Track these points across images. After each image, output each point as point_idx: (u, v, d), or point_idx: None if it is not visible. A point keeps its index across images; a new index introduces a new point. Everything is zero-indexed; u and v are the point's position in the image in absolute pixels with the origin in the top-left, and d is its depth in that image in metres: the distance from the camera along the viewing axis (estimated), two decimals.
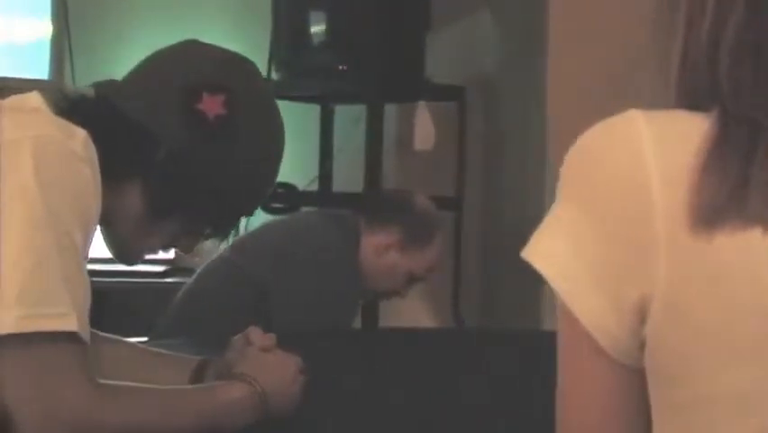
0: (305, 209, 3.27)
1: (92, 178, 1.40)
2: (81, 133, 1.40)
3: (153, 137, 1.49)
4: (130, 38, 3.70)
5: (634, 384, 0.84)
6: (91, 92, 1.53)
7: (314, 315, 2.38)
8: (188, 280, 2.61)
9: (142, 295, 3.26)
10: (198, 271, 2.60)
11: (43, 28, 3.62)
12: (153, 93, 1.52)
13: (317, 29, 3.52)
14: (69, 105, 1.50)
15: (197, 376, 1.65)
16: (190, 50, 1.59)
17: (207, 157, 1.51)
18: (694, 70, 0.86)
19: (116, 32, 3.78)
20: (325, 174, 3.75)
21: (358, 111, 3.56)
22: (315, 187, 3.68)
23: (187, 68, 1.54)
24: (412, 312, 3.58)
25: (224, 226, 1.63)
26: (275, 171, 1.62)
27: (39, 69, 3.59)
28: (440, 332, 3.09)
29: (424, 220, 2.64)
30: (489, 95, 3.79)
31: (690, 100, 0.87)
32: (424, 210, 2.66)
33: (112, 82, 1.57)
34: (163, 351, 1.74)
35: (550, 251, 0.84)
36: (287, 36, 3.51)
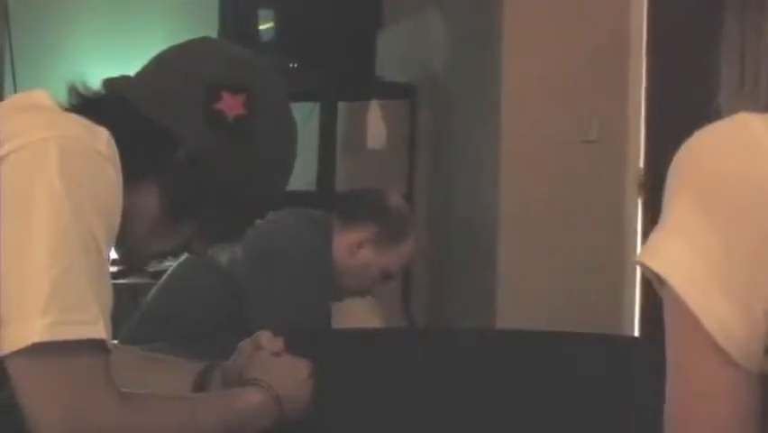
0: None
1: (115, 178, 1.36)
2: (104, 133, 1.36)
3: (172, 137, 1.45)
4: (72, 38, 3.62)
5: (754, 388, 0.84)
6: (104, 89, 1.48)
7: (288, 314, 2.36)
8: (159, 282, 2.55)
9: None
10: (170, 272, 2.54)
11: None
12: (172, 91, 1.46)
13: (265, 26, 3.49)
14: (85, 103, 1.45)
15: (201, 382, 1.62)
16: (208, 48, 1.54)
17: (226, 157, 1.47)
18: None
19: (58, 33, 3.69)
20: None
21: (307, 109, 3.54)
22: None
23: (206, 66, 1.49)
24: (361, 311, 3.57)
25: (236, 229, 1.59)
26: (290, 173, 1.59)
27: None
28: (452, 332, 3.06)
29: (397, 217, 2.63)
30: (440, 93, 3.80)
31: None
32: (397, 207, 2.66)
33: (125, 79, 1.50)
34: (161, 356, 1.70)
35: (672, 255, 0.83)
36: (234, 34, 3.47)
